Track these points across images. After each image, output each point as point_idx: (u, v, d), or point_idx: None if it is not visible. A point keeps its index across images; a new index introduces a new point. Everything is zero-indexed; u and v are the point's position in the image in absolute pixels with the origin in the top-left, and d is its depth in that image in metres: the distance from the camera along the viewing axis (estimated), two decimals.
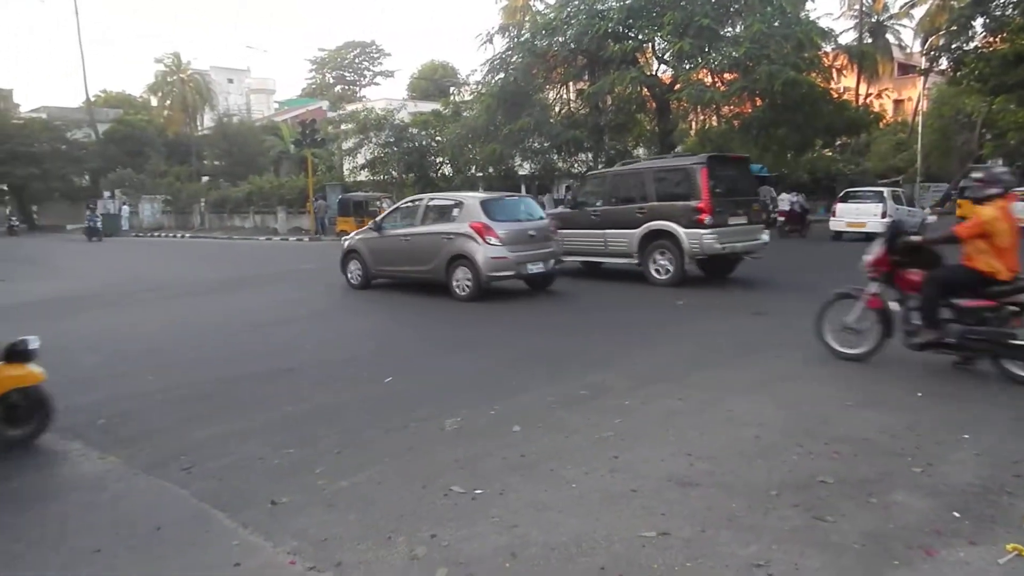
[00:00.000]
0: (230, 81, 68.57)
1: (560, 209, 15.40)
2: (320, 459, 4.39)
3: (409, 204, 12.44)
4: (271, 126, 51.79)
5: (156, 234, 36.35)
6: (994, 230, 5.69)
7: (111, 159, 41.85)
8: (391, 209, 13.26)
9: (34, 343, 4.81)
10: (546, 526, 3.41)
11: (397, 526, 3.45)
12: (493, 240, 10.48)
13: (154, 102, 49.73)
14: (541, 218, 11.71)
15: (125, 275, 16.84)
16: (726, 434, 4.66)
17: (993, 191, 5.87)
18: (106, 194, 38.60)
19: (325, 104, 57.65)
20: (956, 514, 3.43)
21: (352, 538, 3.35)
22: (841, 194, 22.83)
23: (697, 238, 11.39)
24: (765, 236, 12.79)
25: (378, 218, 12.80)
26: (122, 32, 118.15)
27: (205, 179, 45.27)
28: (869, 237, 13.56)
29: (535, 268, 10.98)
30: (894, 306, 6.41)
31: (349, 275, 12.56)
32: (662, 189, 12.09)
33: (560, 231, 12.20)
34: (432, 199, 12.33)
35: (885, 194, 21.08)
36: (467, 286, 10.64)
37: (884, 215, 19.40)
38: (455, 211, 11.20)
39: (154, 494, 4.00)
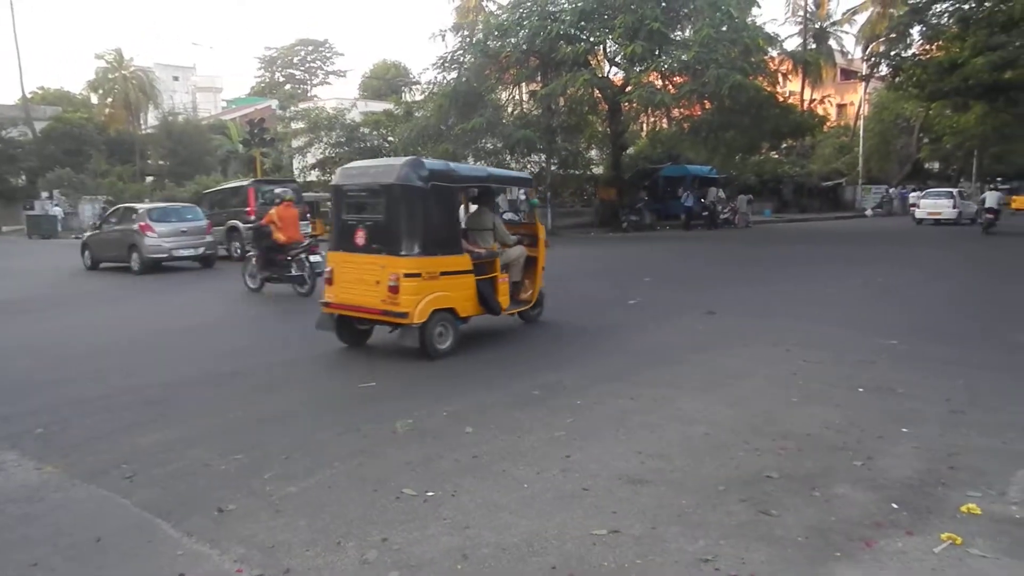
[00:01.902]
0: (175, 79, 66.87)
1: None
2: (268, 464, 4.30)
3: (113, 210, 18.33)
4: (219, 125, 50.69)
5: None
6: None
7: (49, 158, 40.37)
8: (109, 212, 18.84)
9: None
10: (498, 526, 3.41)
11: (347, 530, 3.41)
12: (151, 235, 15.95)
13: (94, 99, 48.14)
14: (197, 220, 16.99)
15: (61, 277, 16.28)
16: (676, 432, 4.73)
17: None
18: (44, 194, 37.28)
19: (275, 103, 56.67)
20: (895, 506, 3.55)
21: (301, 544, 3.29)
22: (923, 193, 30.29)
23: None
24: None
25: (97, 220, 18.02)
26: (61, 27, 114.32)
27: (149, 179, 44.03)
28: (939, 222, 25.57)
29: (184, 252, 16.40)
30: None
31: (84, 259, 17.53)
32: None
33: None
34: (124, 207, 18.04)
35: (954, 192, 28.73)
36: (137, 264, 16.13)
37: (955, 207, 27.21)
38: (133, 215, 16.67)
39: (94, 504, 3.87)
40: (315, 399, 5.82)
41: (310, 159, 32.13)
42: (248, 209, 17.51)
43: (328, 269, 7.58)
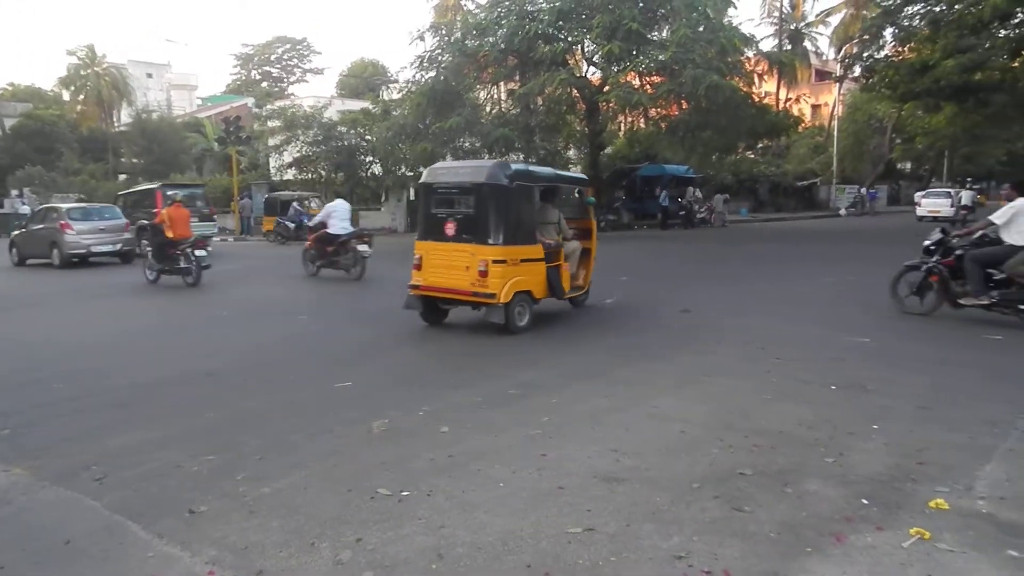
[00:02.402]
0: (149, 76, 65.99)
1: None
2: (242, 465, 4.27)
3: (39, 210, 19.73)
4: (194, 123, 50.08)
5: None
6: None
7: (19, 156, 39.62)
8: (37, 209, 20.22)
9: None
10: (473, 526, 3.41)
11: (321, 531, 3.39)
12: (70, 232, 17.28)
13: (66, 96, 47.36)
14: (116, 218, 18.59)
15: (33, 276, 16.02)
16: (651, 430, 4.76)
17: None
18: (14, 192, 36.62)
19: (251, 101, 56.08)
20: (865, 501, 3.59)
21: (274, 545, 3.27)
22: (924, 192, 32.67)
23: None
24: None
25: (26, 220, 19.49)
26: (31, 23, 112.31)
27: (123, 177, 43.42)
28: (937, 219, 24.40)
29: (103, 248, 17.79)
30: None
31: (11, 256, 18.79)
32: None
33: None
34: (47, 207, 19.45)
35: (951, 192, 31.05)
36: (58, 259, 17.36)
37: (952, 205, 29.25)
38: (54, 214, 18.11)
39: (64, 507, 3.82)
40: (290, 400, 5.77)
41: (287, 157, 31.83)
42: (156, 210, 18.15)
43: (417, 256, 8.55)
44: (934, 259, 8.70)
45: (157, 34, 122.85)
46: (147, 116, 44.38)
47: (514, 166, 8.41)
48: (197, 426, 5.09)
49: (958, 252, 8.48)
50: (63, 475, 4.19)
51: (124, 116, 47.67)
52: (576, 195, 10.35)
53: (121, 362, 7.29)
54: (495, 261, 7.87)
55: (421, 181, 8.96)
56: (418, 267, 8.52)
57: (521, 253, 8.16)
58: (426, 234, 8.57)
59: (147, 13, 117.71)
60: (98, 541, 3.40)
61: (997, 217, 8.23)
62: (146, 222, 18.61)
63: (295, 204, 25.78)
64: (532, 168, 9.13)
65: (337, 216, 13.74)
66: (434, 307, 8.78)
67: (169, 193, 16.89)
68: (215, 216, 23.63)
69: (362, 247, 13.38)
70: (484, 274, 7.85)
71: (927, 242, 8.89)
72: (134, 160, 43.99)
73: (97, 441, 4.78)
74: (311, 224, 15.39)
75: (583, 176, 11.07)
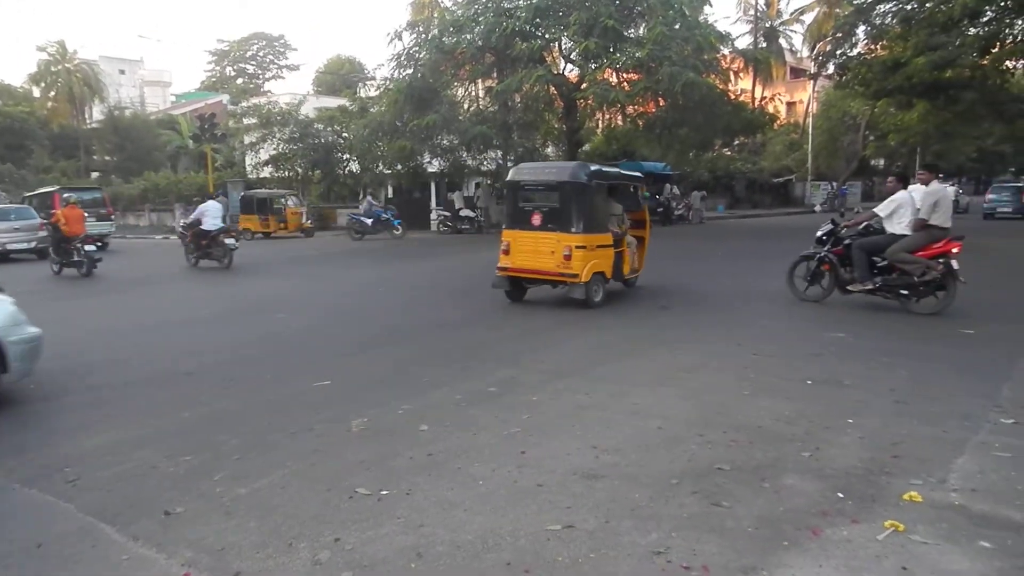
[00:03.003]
0: (122, 72, 65.07)
1: None
2: (219, 465, 4.22)
3: None
4: (168, 120, 49.51)
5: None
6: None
7: None
8: None
9: None
10: (452, 524, 3.40)
11: (300, 531, 3.36)
12: None
13: (36, 93, 46.59)
14: (30, 218, 20.00)
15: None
16: (631, 426, 4.78)
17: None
18: None
19: (226, 98, 55.52)
20: (840, 495, 3.64)
21: (252, 546, 3.24)
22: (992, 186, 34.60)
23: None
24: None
25: None
26: None
27: (95, 175, 42.80)
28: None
29: (19, 246, 19.39)
30: None
31: None
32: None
33: None
34: None
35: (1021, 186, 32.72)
36: None
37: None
38: None
39: (35, 509, 3.75)
40: (269, 399, 5.72)
41: (263, 155, 31.54)
42: (54, 210, 19.12)
43: (505, 243, 9.91)
44: (825, 248, 9.37)
45: (129, 30, 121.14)
46: (119, 113, 43.84)
47: (592, 166, 9.87)
48: (174, 426, 5.02)
49: (846, 242, 9.17)
50: (35, 477, 4.12)
51: (96, 113, 47.02)
52: (632, 190, 11.29)
53: (94, 360, 7.18)
54: (577, 247, 9.26)
55: (508, 179, 10.40)
56: (506, 252, 9.89)
57: (597, 240, 9.55)
58: (513, 224, 9.94)
59: (119, 9, 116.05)
60: (71, 544, 3.35)
61: (881, 209, 8.88)
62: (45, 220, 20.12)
63: (368, 198, 26.09)
64: (604, 168, 10.57)
65: (210, 215, 15.86)
66: (518, 286, 10.17)
67: (65, 195, 19.37)
68: (113, 216, 25.72)
69: (229, 240, 15.65)
70: (568, 258, 9.26)
71: (819, 233, 9.58)
72: (106, 158, 43.46)
73: (72, 442, 4.71)
74: (186, 222, 17.81)
75: (639, 175, 12.19)
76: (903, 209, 8.68)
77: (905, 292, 8.80)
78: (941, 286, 8.61)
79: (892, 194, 8.88)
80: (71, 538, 3.40)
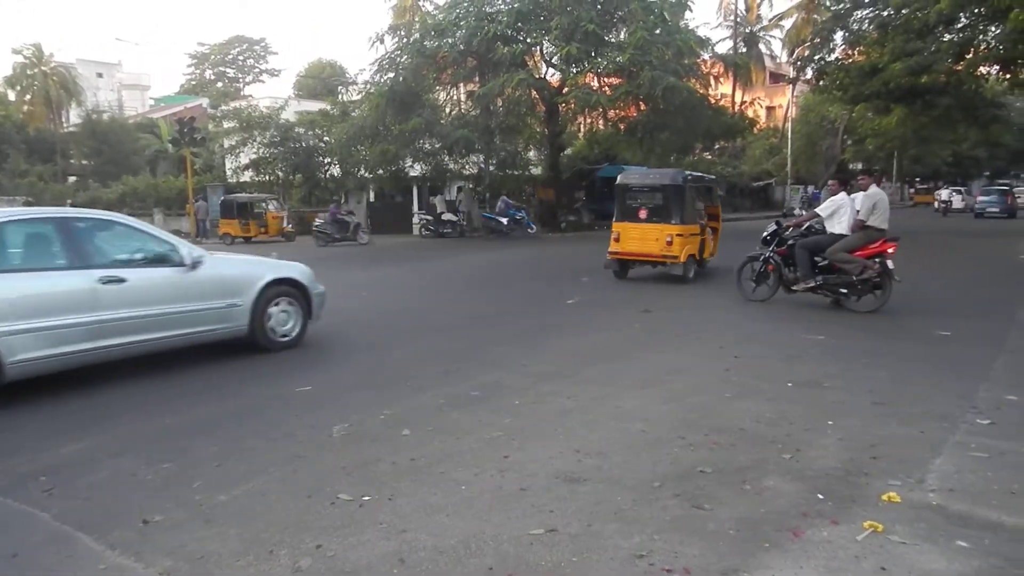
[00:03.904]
0: (99, 75, 64.28)
1: None
2: (199, 472, 4.17)
3: None
4: (147, 123, 48.99)
5: None
6: None
7: None
8: None
9: None
10: (435, 529, 3.39)
11: (280, 538, 3.33)
12: None
13: (12, 96, 45.91)
14: None
15: None
16: (614, 430, 4.78)
17: None
18: None
19: (205, 101, 55.11)
20: (820, 496, 3.66)
21: (231, 554, 3.20)
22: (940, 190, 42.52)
23: None
24: None
25: None
26: None
27: (72, 179, 42.26)
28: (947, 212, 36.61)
29: None
30: None
31: None
32: None
33: None
34: None
35: (962, 190, 41.72)
36: None
37: (963, 200, 39.47)
38: None
39: (10, 518, 3.68)
40: (249, 404, 5.67)
41: (243, 159, 31.31)
42: None
43: (616, 233, 12.51)
44: (770, 249, 9.69)
45: (107, 32, 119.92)
46: (97, 117, 43.26)
47: (686, 172, 12.91)
48: (152, 432, 4.96)
49: (790, 242, 9.53)
50: (9, 486, 4.05)
51: (73, 116, 46.40)
52: (708, 190, 13.71)
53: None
54: (677, 235, 11.80)
55: (618, 183, 12.88)
56: (617, 240, 12.47)
57: (689, 230, 12.14)
58: (623, 217, 12.51)
59: (96, 11, 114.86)
60: (47, 553, 3.29)
61: (823, 210, 9.34)
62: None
63: (504, 198, 26.15)
64: (694, 173, 13.86)
65: None
66: (625, 266, 12.85)
67: None
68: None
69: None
70: (670, 243, 11.72)
71: (764, 233, 10.00)
72: (84, 162, 42.90)
73: (47, 449, 4.63)
74: None
75: (715, 177, 16.83)
76: (843, 210, 9.08)
77: (844, 291, 9.13)
78: (878, 285, 8.90)
79: (833, 195, 9.26)
80: (47, 548, 3.35)
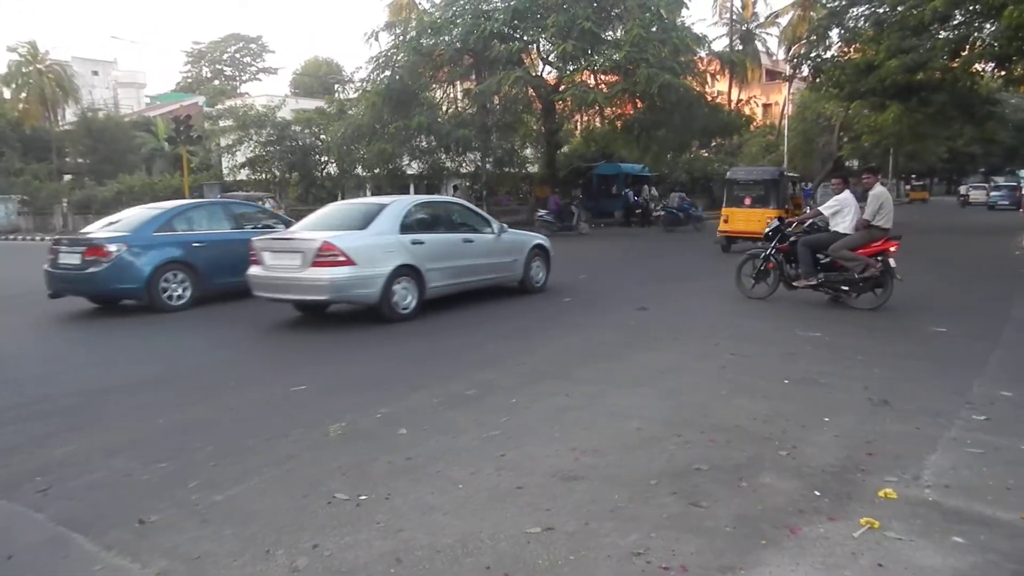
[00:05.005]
0: (95, 73, 64.20)
1: None
2: (194, 472, 4.16)
3: None
4: (143, 121, 48.89)
5: (11, 237, 33.51)
6: None
7: None
8: None
9: None
10: (432, 528, 3.38)
11: (277, 538, 3.33)
12: None
13: (7, 94, 45.75)
14: None
15: None
16: (610, 427, 4.78)
17: None
18: None
19: (202, 99, 54.95)
20: (817, 493, 3.67)
21: (228, 554, 3.19)
22: (992, 184, 47.49)
23: None
24: None
25: None
26: None
27: (68, 177, 42.15)
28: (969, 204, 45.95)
29: None
30: None
31: None
32: None
33: None
34: None
35: (987, 185, 47.50)
36: None
37: (987, 195, 44.68)
38: None
39: (5, 520, 3.67)
40: (244, 404, 5.66)
41: (240, 158, 31.25)
42: None
43: (724, 216, 17.06)
44: (772, 246, 9.74)
45: (103, 30, 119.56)
46: (93, 115, 43.14)
47: (780, 168, 15.84)
48: (147, 433, 4.95)
49: (792, 239, 9.57)
50: (4, 486, 4.03)
51: (69, 115, 46.25)
52: (792, 184, 17.56)
53: (62, 368, 7.07)
54: (776, 217, 12.72)
55: (728, 178, 17.99)
56: (726, 221, 16.92)
57: (782, 214, 14.55)
58: (730, 204, 17.13)
59: (92, 9, 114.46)
60: (42, 555, 3.29)
61: (826, 208, 9.39)
62: None
63: (681, 193, 26.94)
64: (786, 171, 18.54)
65: None
66: (731, 242, 16.78)
67: None
68: None
69: None
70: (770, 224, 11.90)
71: (767, 230, 10.14)
72: (79, 160, 42.79)
73: (42, 450, 4.62)
74: None
75: (798, 175, 20.75)
76: (846, 209, 9.08)
77: (846, 288, 9.15)
78: (879, 283, 8.91)
79: (837, 194, 9.27)
80: (43, 548, 3.35)
